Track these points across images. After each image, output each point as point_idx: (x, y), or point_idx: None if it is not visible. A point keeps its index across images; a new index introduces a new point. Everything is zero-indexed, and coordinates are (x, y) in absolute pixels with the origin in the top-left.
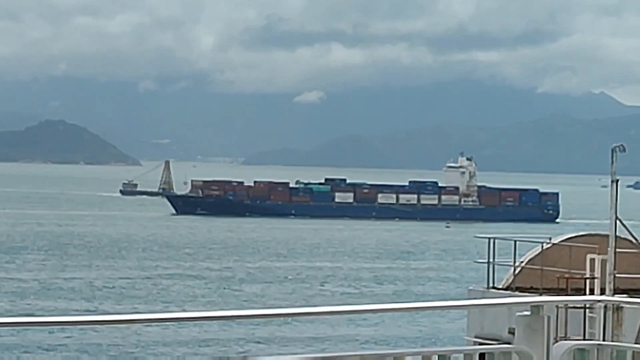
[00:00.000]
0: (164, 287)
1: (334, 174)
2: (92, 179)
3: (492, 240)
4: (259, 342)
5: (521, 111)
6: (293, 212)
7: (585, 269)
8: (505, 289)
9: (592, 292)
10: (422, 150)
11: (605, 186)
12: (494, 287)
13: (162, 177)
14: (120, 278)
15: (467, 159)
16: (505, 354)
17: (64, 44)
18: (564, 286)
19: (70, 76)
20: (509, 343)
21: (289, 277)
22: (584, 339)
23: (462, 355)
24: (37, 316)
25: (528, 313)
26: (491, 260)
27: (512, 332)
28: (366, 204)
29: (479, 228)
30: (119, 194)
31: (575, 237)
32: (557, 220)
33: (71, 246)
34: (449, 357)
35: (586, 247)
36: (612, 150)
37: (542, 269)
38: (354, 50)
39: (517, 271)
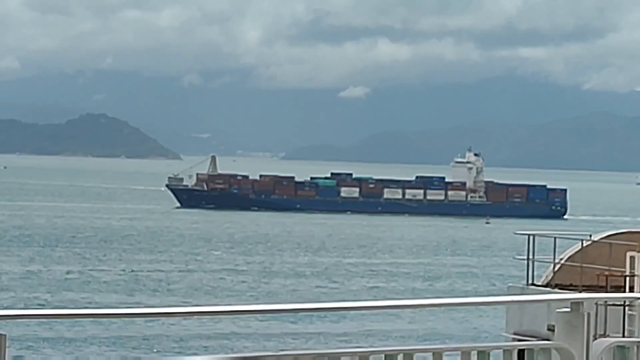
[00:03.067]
0: (196, 281)
1: (371, 170)
2: (134, 172)
3: (532, 237)
4: (300, 337)
5: (563, 108)
6: (298, 206)
7: (625, 267)
8: (545, 286)
9: (631, 290)
10: (462, 146)
11: None
12: (533, 284)
13: (208, 171)
14: (149, 271)
15: (475, 154)
16: (544, 351)
17: (111, 37)
18: (604, 283)
19: (116, 70)
20: (548, 340)
21: (325, 271)
22: (623, 337)
23: (501, 351)
24: (71, 308)
25: (568, 310)
26: (530, 257)
27: (551, 328)
28: (372, 199)
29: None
30: (165, 189)
31: (615, 234)
32: (565, 216)
33: (87, 239)
34: (488, 353)
35: (626, 244)
36: None
37: (581, 266)
38: (400, 45)
39: (556, 268)
